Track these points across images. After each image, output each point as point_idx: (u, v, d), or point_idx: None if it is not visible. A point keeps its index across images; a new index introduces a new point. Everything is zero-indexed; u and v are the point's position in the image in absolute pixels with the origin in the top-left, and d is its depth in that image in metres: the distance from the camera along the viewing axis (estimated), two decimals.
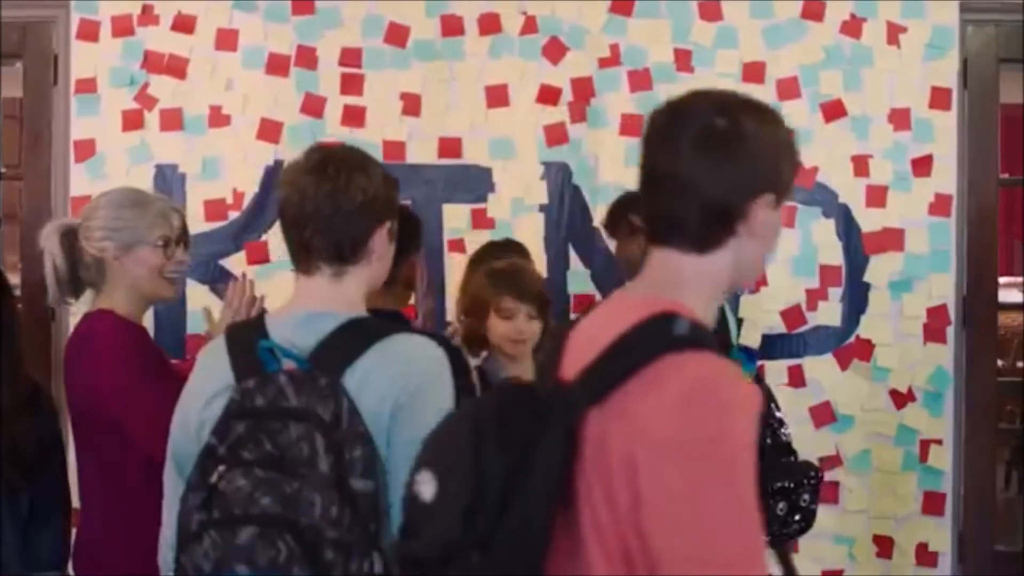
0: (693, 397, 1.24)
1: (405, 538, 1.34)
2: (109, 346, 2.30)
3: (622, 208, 3.14)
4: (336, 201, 1.72)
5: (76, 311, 2.85)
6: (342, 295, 1.76)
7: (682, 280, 1.38)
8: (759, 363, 3.44)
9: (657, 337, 1.29)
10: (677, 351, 1.28)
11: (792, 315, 3.50)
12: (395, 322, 2.25)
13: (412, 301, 2.67)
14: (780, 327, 3.50)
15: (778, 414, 2.69)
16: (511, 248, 3.13)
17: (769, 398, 2.88)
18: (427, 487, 1.29)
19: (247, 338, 1.73)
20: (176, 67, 3.49)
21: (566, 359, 1.38)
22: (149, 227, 2.37)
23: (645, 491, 1.22)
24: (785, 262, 3.50)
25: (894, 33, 3.51)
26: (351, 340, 1.69)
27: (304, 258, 1.77)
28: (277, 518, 1.54)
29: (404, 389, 1.65)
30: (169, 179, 3.48)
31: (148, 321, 2.57)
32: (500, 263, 2.79)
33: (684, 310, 1.33)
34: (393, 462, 1.63)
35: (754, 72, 3.50)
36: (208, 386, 1.73)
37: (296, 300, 1.79)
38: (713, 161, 1.37)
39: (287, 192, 1.75)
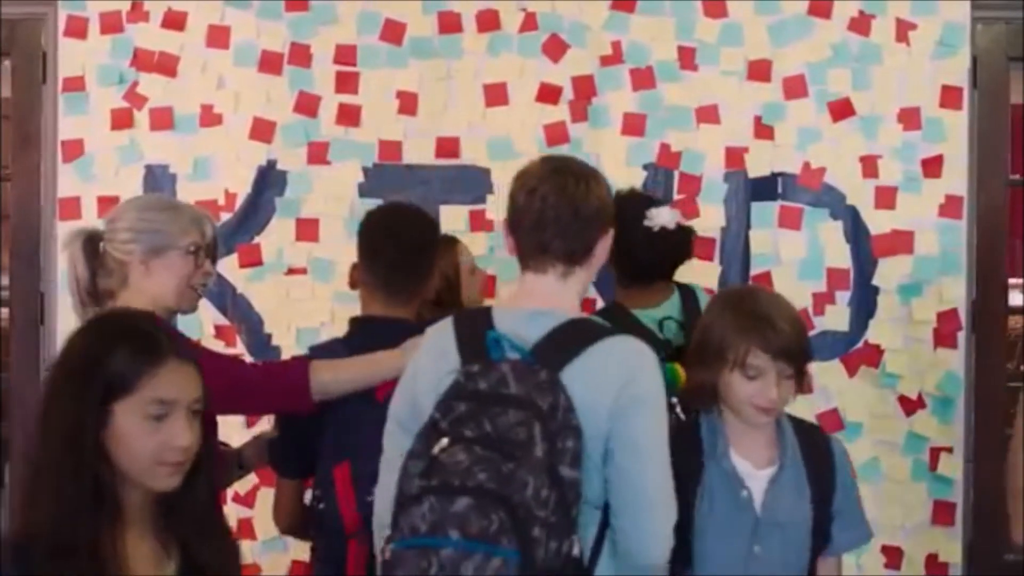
0: None
1: None
2: None
3: None
4: (576, 208, 1.89)
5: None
6: (566, 295, 1.93)
7: None
8: None
9: None
10: None
11: None
12: (402, 329, 2.20)
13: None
14: None
15: None
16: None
17: None
18: None
19: (475, 326, 1.89)
20: (166, 65, 3.42)
21: None
22: (181, 232, 2.28)
23: None
24: (791, 265, 3.43)
25: (903, 30, 3.43)
26: (572, 339, 1.85)
27: (539, 257, 1.92)
28: (491, 492, 1.68)
29: (624, 390, 1.82)
30: (159, 179, 3.40)
31: None
32: (751, 296, 2.20)
33: None
34: (616, 461, 1.82)
35: (760, 70, 3.42)
36: (440, 366, 1.88)
37: (524, 295, 1.94)
38: None
39: (525, 199, 1.91)
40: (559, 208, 1.89)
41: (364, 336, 2.27)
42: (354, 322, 2.39)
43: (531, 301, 1.91)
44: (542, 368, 1.79)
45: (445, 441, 1.74)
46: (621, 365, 1.84)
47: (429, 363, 1.92)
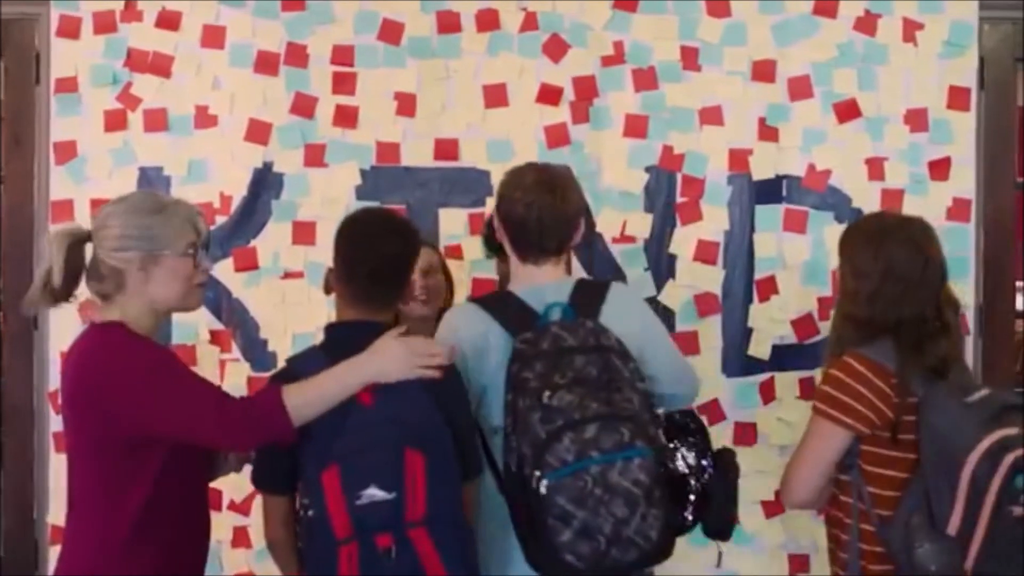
0: None
1: None
2: (127, 366, 2.13)
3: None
4: (559, 211, 2.37)
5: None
6: (560, 271, 2.43)
7: None
8: (769, 375, 3.32)
9: None
10: None
11: (803, 324, 3.36)
12: (373, 331, 2.15)
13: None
14: (791, 337, 3.37)
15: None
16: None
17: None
18: None
19: (507, 305, 2.34)
20: (160, 65, 3.37)
21: None
22: (177, 234, 2.20)
23: None
24: (796, 269, 3.38)
25: (910, 30, 3.39)
26: (591, 293, 2.36)
27: (536, 253, 2.39)
28: (607, 415, 2.12)
29: (642, 317, 2.42)
30: (154, 182, 3.35)
31: None
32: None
33: None
34: (657, 359, 2.39)
35: (764, 70, 3.38)
36: (488, 342, 2.31)
37: (533, 278, 2.39)
38: None
39: (524, 211, 2.35)
40: (552, 217, 2.36)
41: (340, 342, 2.22)
42: (329, 329, 2.33)
43: (539, 279, 2.38)
44: (584, 320, 2.26)
45: (548, 392, 2.14)
46: (634, 302, 2.46)
47: (471, 343, 2.31)
